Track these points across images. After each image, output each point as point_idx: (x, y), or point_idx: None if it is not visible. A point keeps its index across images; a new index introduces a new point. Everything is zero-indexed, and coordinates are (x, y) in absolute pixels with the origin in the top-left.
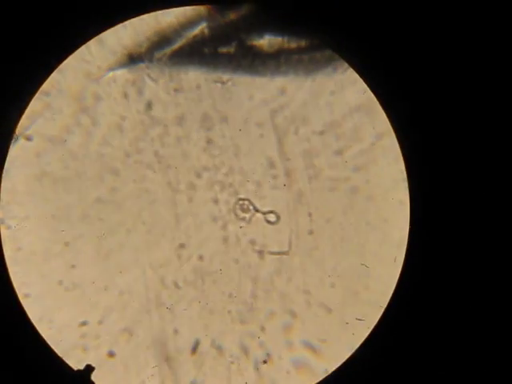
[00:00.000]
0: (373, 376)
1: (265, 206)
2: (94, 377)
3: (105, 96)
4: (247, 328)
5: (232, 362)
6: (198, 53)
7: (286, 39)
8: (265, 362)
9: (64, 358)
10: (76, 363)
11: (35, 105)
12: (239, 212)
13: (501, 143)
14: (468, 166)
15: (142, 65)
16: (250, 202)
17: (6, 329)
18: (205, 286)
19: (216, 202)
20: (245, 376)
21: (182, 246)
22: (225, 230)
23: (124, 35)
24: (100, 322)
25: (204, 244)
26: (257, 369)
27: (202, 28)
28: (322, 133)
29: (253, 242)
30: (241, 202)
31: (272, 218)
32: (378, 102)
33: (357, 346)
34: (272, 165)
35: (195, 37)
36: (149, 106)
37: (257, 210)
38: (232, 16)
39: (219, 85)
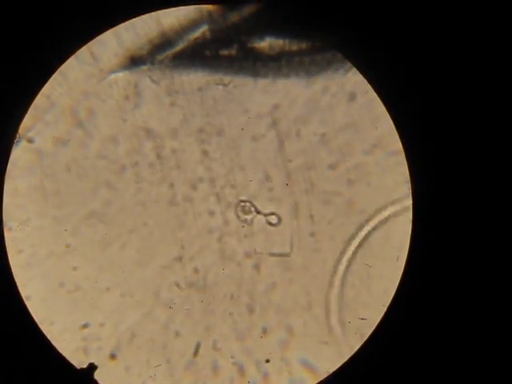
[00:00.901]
0: (374, 375)
1: (266, 208)
2: (96, 375)
3: (105, 100)
4: (249, 329)
5: (234, 364)
6: (200, 55)
7: (287, 41)
8: (267, 361)
9: (67, 357)
10: (78, 365)
11: (37, 107)
12: (241, 214)
13: (504, 144)
14: (472, 167)
15: (143, 67)
16: (252, 204)
17: (9, 329)
18: (207, 287)
19: (212, 214)
20: (246, 377)
21: (186, 248)
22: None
23: (126, 38)
24: (102, 324)
25: (209, 247)
26: (259, 369)
27: (203, 30)
28: (323, 135)
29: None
30: (242, 204)
31: (273, 219)
32: (381, 102)
33: (359, 345)
34: (275, 168)
35: (197, 39)
36: (145, 114)
37: (258, 212)
38: (233, 18)
39: (221, 87)
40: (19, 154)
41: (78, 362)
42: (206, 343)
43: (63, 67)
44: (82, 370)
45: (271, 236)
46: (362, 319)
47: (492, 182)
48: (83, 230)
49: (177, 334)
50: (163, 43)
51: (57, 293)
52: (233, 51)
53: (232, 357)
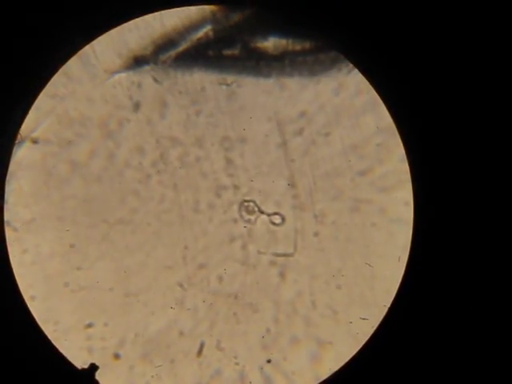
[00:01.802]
0: (376, 375)
1: (270, 208)
2: (98, 376)
3: (110, 100)
4: (253, 330)
5: (237, 364)
6: (203, 55)
7: (290, 41)
8: (269, 361)
9: (69, 358)
10: (82, 365)
11: (40, 107)
12: (244, 214)
13: (505, 144)
14: (472, 167)
15: (147, 67)
16: (255, 204)
17: (11, 329)
18: (210, 287)
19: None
20: (249, 377)
21: (189, 249)
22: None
23: (129, 38)
24: (106, 324)
25: (212, 247)
26: (261, 368)
27: (206, 30)
28: (327, 134)
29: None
30: (246, 204)
31: (277, 219)
32: (382, 103)
33: (361, 345)
34: (278, 168)
35: (200, 39)
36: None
37: (262, 212)
38: (236, 18)
39: (224, 87)
40: (24, 154)
41: (82, 361)
42: (209, 343)
43: (66, 67)
44: (83, 370)
45: (275, 236)
46: (364, 319)
47: (494, 181)
48: (90, 231)
49: (181, 333)
50: (166, 43)
51: (61, 292)
52: (236, 51)
53: (235, 357)
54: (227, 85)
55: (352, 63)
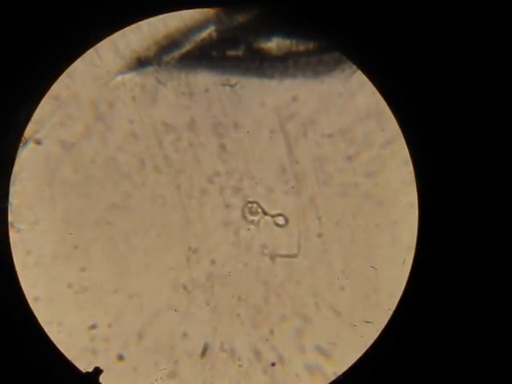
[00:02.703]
0: (381, 378)
1: (274, 209)
2: (102, 379)
3: (115, 101)
4: (257, 331)
5: (241, 365)
6: (207, 56)
7: (294, 42)
8: (273, 364)
9: (73, 361)
10: (86, 366)
11: (44, 108)
12: (248, 215)
13: (509, 144)
14: (477, 169)
15: (150, 68)
16: (259, 205)
17: (15, 331)
18: (214, 289)
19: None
20: (254, 379)
21: (194, 250)
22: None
23: (133, 39)
24: (109, 325)
25: (215, 249)
26: (265, 371)
27: (210, 31)
28: (330, 135)
29: (263, 246)
30: (249, 205)
31: (281, 220)
32: (386, 104)
33: (365, 348)
34: (282, 169)
35: (203, 40)
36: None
37: (265, 213)
38: (240, 19)
39: (228, 88)
40: (27, 156)
41: (86, 362)
42: (213, 344)
43: (70, 69)
44: (87, 373)
45: (278, 237)
46: (368, 322)
47: (499, 183)
48: (92, 231)
49: (184, 335)
50: (170, 44)
51: (65, 294)
52: (239, 52)
53: (239, 359)
54: (231, 86)
55: (355, 64)
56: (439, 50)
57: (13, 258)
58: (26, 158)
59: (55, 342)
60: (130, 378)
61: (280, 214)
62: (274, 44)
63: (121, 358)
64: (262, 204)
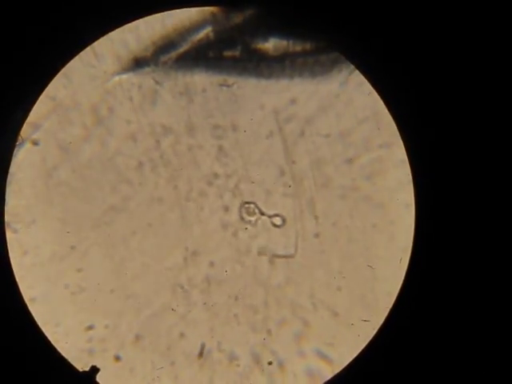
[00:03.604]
0: (378, 377)
1: (271, 210)
2: (99, 378)
3: (112, 101)
4: (254, 331)
5: (238, 365)
6: (204, 56)
7: (291, 42)
8: (270, 363)
9: (69, 360)
10: (82, 366)
11: (41, 108)
12: (245, 215)
13: (507, 145)
14: (474, 169)
15: (147, 69)
16: (256, 206)
17: (11, 331)
18: (211, 289)
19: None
20: (251, 379)
21: (191, 250)
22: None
23: (129, 39)
24: (106, 326)
25: (213, 249)
26: (262, 371)
27: (207, 31)
28: (327, 136)
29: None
30: (246, 206)
31: (278, 221)
32: (383, 104)
33: (362, 347)
34: (279, 169)
35: (200, 40)
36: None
37: (262, 213)
38: (237, 19)
39: (225, 88)
40: (24, 156)
41: (83, 363)
42: (210, 344)
43: (67, 69)
44: (84, 372)
45: (275, 237)
46: (365, 321)
47: (496, 183)
48: (89, 232)
49: (181, 335)
50: (167, 45)
51: (62, 294)
52: (236, 52)
53: (236, 359)
54: (228, 86)
55: (353, 64)
56: (437, 50)
57: (9, 259)
58: (23, 159)
59: (52, 342)
60: (127, 378)
61: (277, 215)
62: (271, 44)
63: (118, 358)
64: (259, 204)
